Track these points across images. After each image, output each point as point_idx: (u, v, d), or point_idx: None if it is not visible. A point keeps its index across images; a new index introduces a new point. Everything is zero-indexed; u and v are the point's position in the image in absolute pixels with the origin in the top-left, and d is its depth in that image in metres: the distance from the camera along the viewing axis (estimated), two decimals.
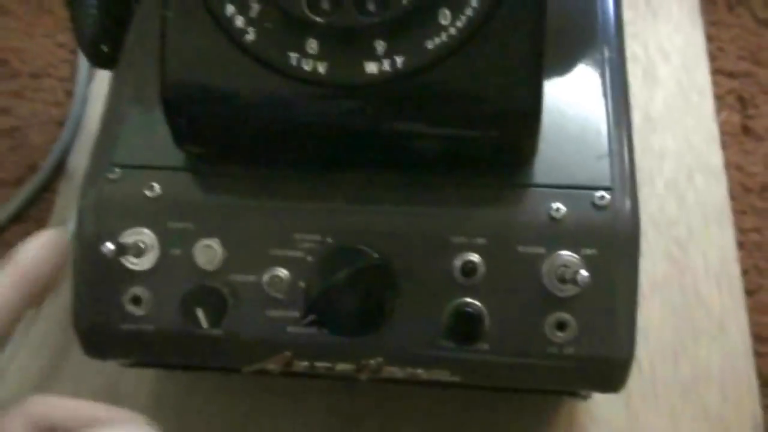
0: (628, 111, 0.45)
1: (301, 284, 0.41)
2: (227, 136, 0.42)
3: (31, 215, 0.65)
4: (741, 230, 0.63)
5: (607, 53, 0.46)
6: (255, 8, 0.39)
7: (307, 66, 0.39)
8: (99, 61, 0.52)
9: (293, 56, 0.39)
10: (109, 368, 0.50)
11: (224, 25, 0.39)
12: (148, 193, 0.42)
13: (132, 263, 0.42)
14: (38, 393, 0.34)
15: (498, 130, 0.41)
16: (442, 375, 0.42)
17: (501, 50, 0.39)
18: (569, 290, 0.40)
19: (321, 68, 0.39)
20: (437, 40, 0.38)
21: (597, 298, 0.40)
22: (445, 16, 0.38)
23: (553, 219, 0.41)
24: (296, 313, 0.41)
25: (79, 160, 0.66)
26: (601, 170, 0.42)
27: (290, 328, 0.42)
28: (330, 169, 0.43)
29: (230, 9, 0.39)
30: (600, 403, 0.55)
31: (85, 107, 0.69)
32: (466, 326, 0.40)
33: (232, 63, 0.39)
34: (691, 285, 0.60)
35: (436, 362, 0.42)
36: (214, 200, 0.43)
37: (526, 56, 0.39)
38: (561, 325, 0.41)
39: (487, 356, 0.41)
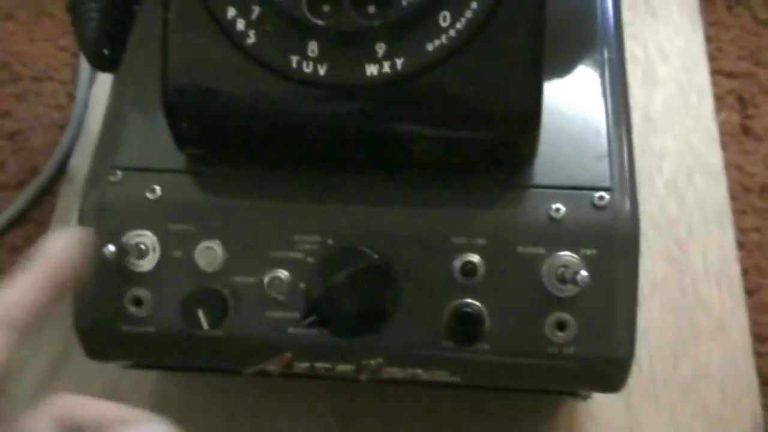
0: (628, 111, 0.45)
1: (302, 285, 0.41)
2: (228, 139, 0.43)
3: (32, 217, 0.65)
4: (741, 230, 0.63)
5: (606, 54, 0.46)
6: (256, 11, 0.39)
7: (307, 68, 0.39)
8: (100, 64, 0.52)
9: (294, 59, 0.39)
10: (110, 369, 0.50)
11: (225, 27, 0.39)
12: (149, 195, 0.43)
13: (133, 265, 0.42)
14: (65, 393, 0.35)
15: (498, 132, 0.41)
16: (442, 375, 0.43)
17: (501, 52, 0.39)
18: (569, 290, 0.40)
19: (321, 70, 0.39)
20: (437, 42, 0.38)
21: (597, 298, 0.41)
22: (444, 19, 0.38)
23: (552, 219, 0.41)
24: (297, 314, 0.41)
25: (81, 162, 0.67)
26: (600, 171, 0.42)
27: (291, 329, 0.42)
28: (330, 171, 0.43)
29: (231, 12, 0.39)
30: (600, 402, 0.55)
31: (87, 110, 0.70)
32: (466, 327, 0.41)
33: (233, 65, 0.40)
34: (691, 285, 0.60)
35: (436, 363, 0.42)
36: (215, 202, 0.43)
37: (525, 58, 0.39)
38: (561, 325, 0.41)
39: (487, 356, 0.41)
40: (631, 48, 0.70)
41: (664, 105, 0.68)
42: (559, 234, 0.41)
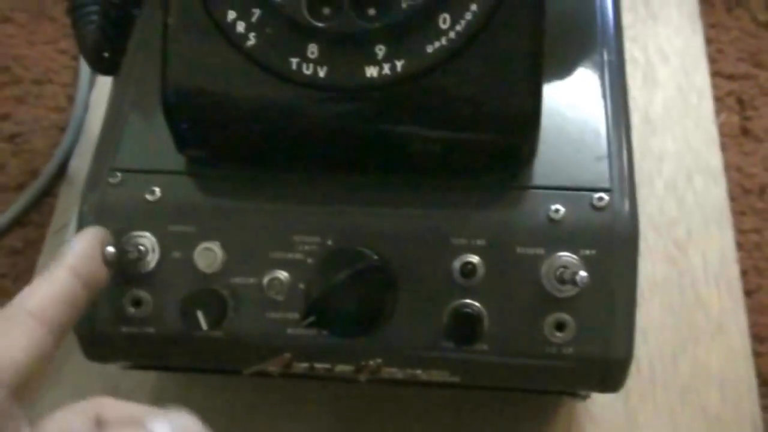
0: (627, 113, 0.45)
1: (301, 286, 0.41)
2: (228, 140, 0.43)
3: (32, 219, 0.65)
4: (740, 231, 0.63)
5: (606, 56, 0.47)
6: (256, 13, 0.39)
7: (307, 70, 0.39)
8: (100, 67, 0.52)
9: (294, 61, 0.39)
10: (110, 370, 0.50)
11: (225, 30, 0.39)
12: (148, 196, 0.43)
13: (133, 266, 0.42)
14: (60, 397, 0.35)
15: (497, 133, 0.41)
16: (442, 376, 0.43)
17: (500, 54, 0.39)
18: (568, 291, 0.40)
19: (321, 72, 0.39)
20: (437, 44, 0.39)
21: (596, 298, 0.41)
22: (444, 21, 0.38)
23: (552, 220, 0.41)
24: (296, 315, 0.41)
25: (81, 164, 0.67)
26: (600, 172, 0.42)
27: (290, 330, 0.42)
28: (330, 172, 0.43)
29: (231, 14, 0.39)
30: (599, 403, 0.55)
31: (87, 113, 0.70)
32: (465, 327, 0.41)
33: (233, 68, 0.40)
34: (691, 286, 0.60)
35: (436, 363, 0.42)
36: (215, 203, 0.43)
37: (525, 59, 0.39)
38: (560, 326, 0.41)
39: (486, 357, 0.41)
40: (631, 50, 0.70)
41: (664, 106, 0.68)
42: (558, 235, 0.41)
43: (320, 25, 0.38)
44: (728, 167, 0.66)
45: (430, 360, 0.42)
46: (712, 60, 0.71)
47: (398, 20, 0.38)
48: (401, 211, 0.42)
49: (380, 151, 0.42)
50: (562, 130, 0.44)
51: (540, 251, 0.41)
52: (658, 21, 0.73)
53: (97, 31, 0.51)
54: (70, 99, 0.71)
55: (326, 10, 0.39)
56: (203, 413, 0.35)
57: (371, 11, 0.38)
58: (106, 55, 0.51)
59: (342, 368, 0.43)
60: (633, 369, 0.42)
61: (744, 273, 0.61)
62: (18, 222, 0.65)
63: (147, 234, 0.42)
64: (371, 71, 0.39)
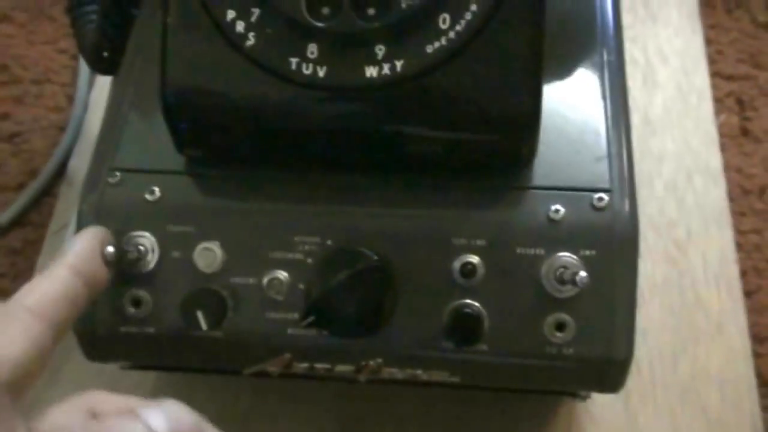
0: (627, 113, 0.45)
1: (301, 286, 0.41)
2: (227, 140, 0.43)
3: (31, 219, 0.65)
4: (740, 232, 0.63)
5: (606, 56, 0.47)
6: (255, 13, 0.39)
7: (307, 70, 0.39)
8: (100, 66, 0.52)
9: (293, 61, 0.39)
10: (110, 370, 0.50)
11: (225, 30, 0.39)
12: (148, 196, 0.43)
13: (132, 266, 0.42)
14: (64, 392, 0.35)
15: (497, 133, 0.41)
16: (442, 376, 0.43)
17: (500, 54, 0.39)
18: (568, 291, 0.40)
19: (321, 72, 0.39)
20: (437, 44, 0.39)
21: (596, 299, 0.41)
22: (444, 21, 0.38)
23: (552, 220, 0.41)
24: (296, 315, 0.41)
25: (80, 164, 0.67)
26: (600, 172, 0.42)
27: (290, 330, 0.42)
28: (330, 172, 0.43)
29: (231, 14, 0.39)
30: (599, 403, 0.55)
31: (86, 113, 0.70)
32: (465, 327, 0.41)
33: (233, 68, 0.40)
34: (690, 286, 0.60)
35: (436, 363, 0.42)
36: (214, 203, 0.43)
37: (525, 59, 0.39)
38: (560, 326, 0.41)
39: (486, 357, 0.41)
40: (631, 51, 0.70)
41: (664, 107, 0.68)
42: (558, 235, 0.41)
43: (320, 24, 0.38)
44: (728, 168, 0.66)
45: (430, 360, 0.42)
46: (712, 61, 0.71)
47: (398, 20, 0.38)
48: (401, 211, 0.42)
49: (380, 151, 0.42)
50: (562, 130, 0.44)
51: (540, 251, 0.41)
52: (658, 22, 0.73)
53: (97, 30, 0.51)
54: (70, 99, 0.71)
55: (326, 10, 0.39)
56: (203, 413, 0.35)
57: (371, 11, 0.38)
58: (105, 54, 0.51)
59: (342, 368, 0.43)
60: (633, 369, 0.42)
61: (744, 273, 0.61)
62: (17, 222, 0.65)
63: (146, 234, 0.42)
64: (371, 71, 0.39)
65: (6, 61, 0.73)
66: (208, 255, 0.42)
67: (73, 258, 0.38)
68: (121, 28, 0.50)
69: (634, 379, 0.43)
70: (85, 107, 0.70)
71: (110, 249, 0.40)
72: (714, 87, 0.70)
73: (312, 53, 0.39)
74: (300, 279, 0.41)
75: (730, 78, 0.71)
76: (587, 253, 0.41)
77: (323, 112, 0.40)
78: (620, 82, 0.46)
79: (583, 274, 0.39)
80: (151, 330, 0.42)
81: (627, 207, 0.42)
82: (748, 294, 0.60)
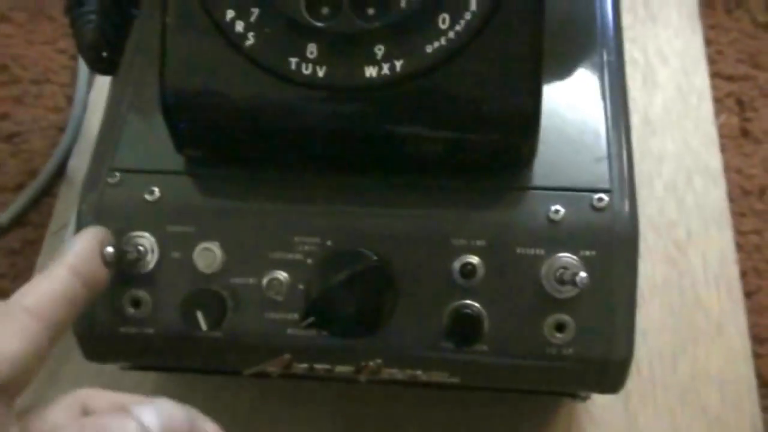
0: (627, 114, 0.45)
1: (301, 287, 0.41)
2: (227, 140, 0.43)
3: (31, 220, 0.65)
4: (740, 232, 0.63)
5: (605, 57, 0.47)
6: (255, 13, 0.39)
7: (306, 70, 0.39)
8: (99, 67, 0.52)
9: (293, 61, 0.39)
10: (109, 370, 0.50)
11: (224, 29, 0.39)
12: (147, 196, 0.43)
13: (132, 266, 0.42)
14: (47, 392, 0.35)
15: (497, 133, 0.41)
16: (442, 376, 0.43)
17: (500, 54, 0.39)
18: (568, 292, 0.40)
19: (320, 72, 0.39)
20: (436, 44, 0.38)
21: (596, 299, 0.41)
22: (444, 21, 0.38)
23: (552, 221, 0.41)
24: (296, 316, 0.41)
25: (79, 164, 0.67)
26: (599, 172, 0.42)
27: (290, 331, 0.42)
28: (329, 173, 0.43)
29: (230, 14, 0.39)
30: (599, 404, 0.55)
31: (85, 113, 0.70)
32: (465, 328, 0.41)
33: (232, 67, 0.40)
34: (690, 287, 0.60)
35: (436, 364, 0.42)
36: (214, 203, 0.43)
37: (525, 60, 0.39)
38: (560, 327, 0.41)
39: (486, 358, 0.41)
40: (631, 51, 0.70)
41: (664, 108, 0.68)
42: (558, 235, 0.41)
43: (319, 24, 0.38)
44: (728, 168, 0.66)
45: (430, 361, 0.42)
46: (712, 61, 0.71)
47: (397, 20, 0.38)
48: (401, 212, 0.42)
49: (380, 151, 0.42)
50: (562, 130, 0.44)
51: (540, 252, 0.41)
52: (658, 22, 0.73)
53: (96, 30, 0.51)
54: (69, 99, 0.71)
55: (325, 10, 0.38)
56: (203, 414, 0.35)
57: (370, 11, 0.38)
58: (104, 54, 0.51)
59: (342, 369, 0.43)
60: (633, 370, 0.42)
61: (744, 274, 0.61)
62: (17, 222, 0.65)
63: (146, 234, 0.42)
64: (371, 71, 0.39)
65: (5, 61, 0.73)
66: (208, 255, 0.42)
67: (73, 258, 0.38)
68: (120, 28, 0.50)
69: (634, 380, 0.43)
70: (85, 107, 0.70)
71: (110, 249, 0.40)
72: (714, 87, 0.70)
73: (311, 53, 0.39)
74: (300, 279, 0.41)
75: (730, 78, 0.71)
76: (587, 253, 0.41)
77: (323, 112, 0.40)
78: (620, 83, 0.46)
79: (583, 274, 0.39)
80: (150, 330, 0.42)
81: (627, 207, 0.41)
82: (748, 295, 0.60)
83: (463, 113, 0.40)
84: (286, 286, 0.41)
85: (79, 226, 0.42)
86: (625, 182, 0.42)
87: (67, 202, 0.65)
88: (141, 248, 0.42)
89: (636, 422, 0.55)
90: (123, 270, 0.42)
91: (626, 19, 0.50)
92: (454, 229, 0.41)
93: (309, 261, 0.41)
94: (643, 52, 0.71)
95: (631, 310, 0.41)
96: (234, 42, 0.39)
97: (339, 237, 0.41)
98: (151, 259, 0.42)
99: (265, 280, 0.41)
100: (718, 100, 0.69)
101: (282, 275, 0.41)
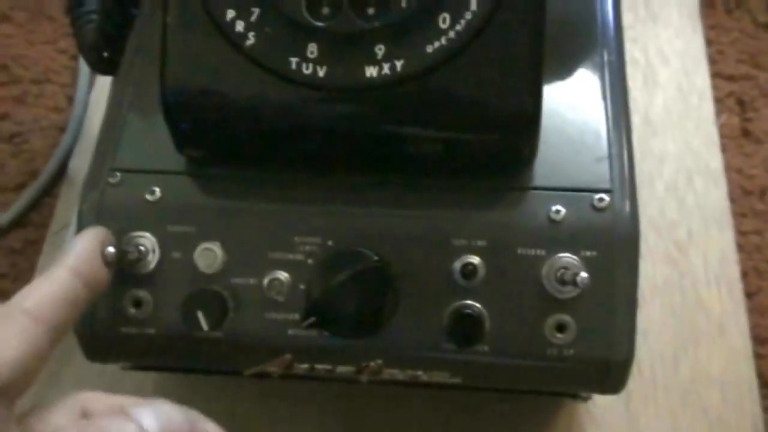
0: (628, 114, 0.45)
1: (302, 287, 0.41)
2: (227, 140, 0.43)
3: (32, 220, 0.65)
4: (741, 233, 0.63)
5: (606, 56, 0.46)
6: (255, 13, 0.39)
7: (307, 70, 0.39)
8: (100, 66, 0.52)
9: (293, 60, 0.39)
10: (110, 371, 0.50)
11: (225, 29, 0.39)
12: (148, 197, 0.43)
13: (133, 266, 0.42)
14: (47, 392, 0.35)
15: (498, 133, 0.41)
16: (443, 377, 0.43)
17: (500, 54, 0.39)
18: (569, 292, 0.40)
19: (321, 72, 0.39)
20: (437, 44, 0.38)
21: (597, 299, 0.41)
22: (444, 20, 0.38)
23: (552, 221, 0.41)
24: (296, 316, 0.41)
25: (80, 165, 0.67)
26: (600, 173, 0.42)
27: (290, 331, 0.42)
28: (330, 172, 0.43)
29: (230, 13, 0.39)
30: (600, 404, 0.55)
31: (86, 113, 0.70)
32: (466, 328, 0.40)
33: (233, 67, 0.40)
34: (691, 287, 0.60)
35: (437, 364, 0.42)
36: (215, 204, 0.43)
37: (525, 59, 0.39)
38: (561, 327, 0.41)
39: (487, 358, 0.41)
40: (632, 51, 0.70)
41: (664, 108, 0.68)
42: (559, 236, 0.41)
43: (320, 24, 0.38)
44: (729, 169, 0.66)
45: (431, 361, 0.42)
46: (713, 61, 0.71)
47: (398, 20, 0.38)
48: (401, 212, 0.42)
49: (380, 151, 0.42)
50: (562, 130, 0.44)
51: (541, 252, 0.41)
52: (659, 22, 0.73)
53: (97, 30, 0.51)
54: (70, 99, 0.71)
55: (326, 10, 0.38)
56: (203, 414, 0.35)
57: (371, 11, 0.38)
58: (105, 54, 0.51)
59: (343, 369, 0.43)
60: (634, 370, 0.42)
61: (744, 275, 0.61)
62: (18, 222, 0.65)
63: (147, 234, 0.42)
64: (371, 71, 0.39)
65: (6, 61, 0.73)
66: (209, 255, 0.42)
67: (74, 259, 0.38)
68: (120, 28, 0.50)
69: (635, 381, 0.43)
70: (85, 107, 0.70)
71: (111, 249, 0.40)
72: (714, 87, 0.70)
73: (312, 53, 0.39)
74: (300, 279, 0.41)
75: (730, 78, 0.71)
76: (588, 253, 0.41)
77: (323, 111, 0.40)
78: (621, 83, 0.46)
79: (583, 274, 0.39)
80: (151, 331, 0.42)
81: (628, 208, 0.41)
82: (749, 295, 0.60)
83: (464, 113, 0.40)
84: (287, 287, 0.41)
85: (80, 227, 0.42)
86: (626, 182, 0.42)
87: (68, 202, 0.65)
88: (142, 248, 0.42)
89: (637, 423, 0.55)
90: (124, 270, 0.42)
91: (627, 19, 0.50)
92: (454, 230, 0.41)
93: (310, 261, 0.41)
94: (643, 52, 0.71)
95: (632, 310, 0.41)
96: (234, 42, 0.39)
97: (340, 237, 0.41)
98: (152, 260, 0.42)
99: (265, 280, 0.41)
100: (718, 100, 0.69)
101: (283, 275, 0.41)
